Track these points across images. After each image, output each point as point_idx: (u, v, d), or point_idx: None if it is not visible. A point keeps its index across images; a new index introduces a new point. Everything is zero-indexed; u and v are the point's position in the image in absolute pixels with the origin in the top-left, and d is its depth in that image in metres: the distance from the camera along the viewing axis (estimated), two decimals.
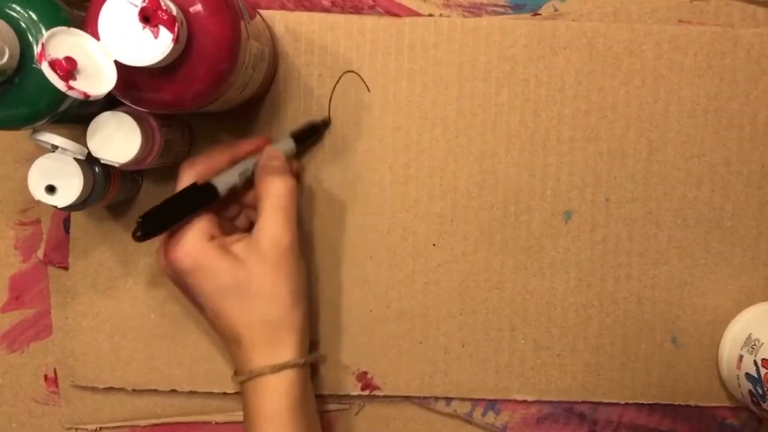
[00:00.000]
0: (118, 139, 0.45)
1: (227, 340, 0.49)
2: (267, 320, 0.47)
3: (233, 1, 0.42)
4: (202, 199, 0.47)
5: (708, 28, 0.55)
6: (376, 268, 0.56)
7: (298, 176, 0.54)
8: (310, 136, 0.54)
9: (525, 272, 0.56)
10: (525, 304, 0.56)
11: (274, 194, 0.48)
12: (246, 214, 0.53)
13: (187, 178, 0.48)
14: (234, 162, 0.50)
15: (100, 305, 0.56)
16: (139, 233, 0.44)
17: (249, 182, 0.50)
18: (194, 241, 0.46)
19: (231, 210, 0.52)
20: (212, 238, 0.47)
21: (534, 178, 0.55)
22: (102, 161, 0.45)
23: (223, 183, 0.48)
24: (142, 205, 0.55)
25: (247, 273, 0.46)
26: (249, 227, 0.52)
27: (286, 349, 0.48)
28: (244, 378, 0.48)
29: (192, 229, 0.47)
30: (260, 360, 0.47)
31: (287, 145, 0.52)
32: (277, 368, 0.47)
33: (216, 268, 0.46)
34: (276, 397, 0.47)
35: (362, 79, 0.55)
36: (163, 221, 0.46)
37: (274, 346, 0.47)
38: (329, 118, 0.55)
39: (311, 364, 0.51)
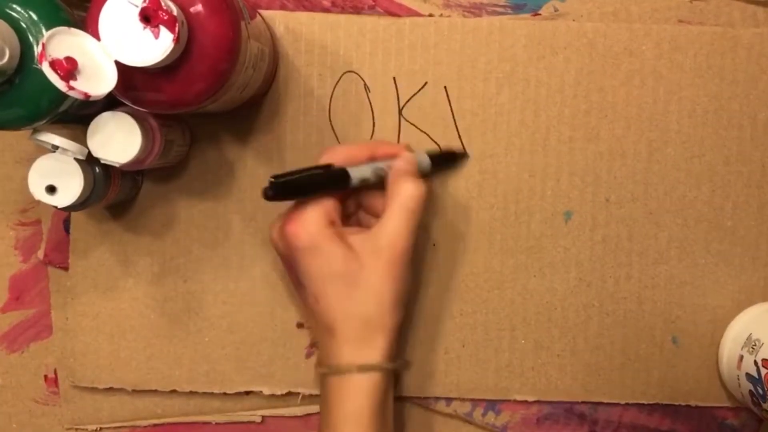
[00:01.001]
0: (118, 140, 0.45)
1: (321, 328, 0.48)
2: (366, 317, 0.47)
3: (233, 2, 0.42)
4: (334, 181, 0.47)
5: (708, 28, 0.55)
6: None
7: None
8: (446, 162, 0.54)
9: (525, 272, 0.56)
10: (525, 304, 0.56)
11: (406, 196, 0.48)
12: (361, 215, 0.53)
13: (326, 160, 0.48)
14: (372, 159, 0.50)
15: (100, 305, 0.56)
16: (271, 192, 0.45)
17: (377, 184, 0.50)
18: (316, 221, 0.46)
19: (348, 206, 0.52)
20: (333, 224, 0.47)
21: (534, 178, 0.55)
22: (102, 161, 0.45)
23: (358, 173, 0.48)
24: (142, 206, 0.55)
25: (359, 265, 0.46)
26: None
27: (377, 351, 0.47)
28: (328, 371, 0.48)
29: (316, 208, 0.47)
30: (350, 356, 0.47)
31: (423, 159, 0.52)
32: (366, 368, 0.47)
33: (331, 253, 0.46)
34: (358, 397, 0.47)
35: (362, 79, 0.55)
36: (294, 188, 0.46)
37: (366, 345, 0.47)
38: (466, 152, 0.55)
39: (396, 370, 0.51)
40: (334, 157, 0.49)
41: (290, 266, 0.49)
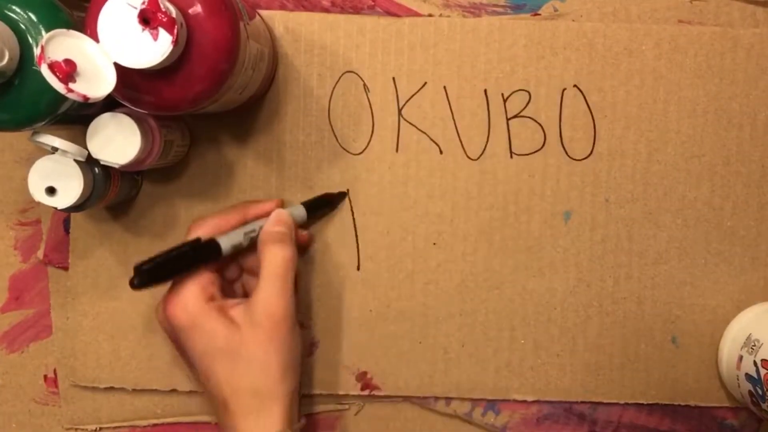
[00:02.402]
0: (117, 141, 0.45)
1: (215, 404, 0.48)
2: (255, 388, 0.46)
3: (232, 2, 0.42)
4: (204, 255, 0.47)
5: (708, 28, 0.55)
6: (376, 268, 0.56)
7: (307, 244, 0.55)
8: (323, 206, 0.55)
9: (525, 272, 0.56)
10: (525, 304, 0.56)
11: (274, 262, 0.48)
12: (244, 278, 0.53)
13: (195, 233, 0.48)
14: (244, 223, 0.50)
15: (100, 305, 0.56)
16: (136, 281, 0.44)
17: (254, 245, 0.50)
18: (193, 300, 0.46)
19: (231, 271, 0.52)
20: (212, 298, 0.47)
21: (534, 178, 0.55)
22: (102, 162, 0.45)
23: (228, 241, 0.48)
24: (141, 206, 0.55)
25: (240, 338, 0.46)
26: (246, 292, 0.53)
27: (272, 420, 0.46)
28: None
29: (192, 286, 0.46)
30: (245, 428, 0.46)
31: (298, 211, 0.52)
32: None
33: (211, 330, 0.46)
34: None
35: (362, 79, 0.55)
36: (161, 272, 0.45)
37: (260, 416, 0.46)
38: (346, 191, 0.55)
39: None
40: (203, 228, 0.49)
41: (177, 345, 0.49)
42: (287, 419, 0.47)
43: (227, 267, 0.51)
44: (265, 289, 0.47)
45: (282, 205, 0.53)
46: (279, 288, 0.47)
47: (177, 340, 0.48)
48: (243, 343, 0.46)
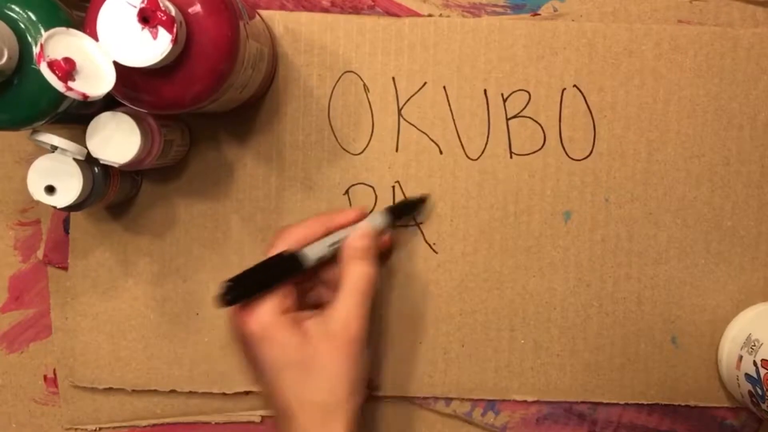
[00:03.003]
0: (117, 140, 0.45)
1: (278, 415, 0.48)
2: (322, 403, 0.46)
3: (232, 2, 0.42)
4: (289, 268, 0.47)
5: (708, 28, 0.55)
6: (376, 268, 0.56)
7: (389, 250, 0.55)
8: (407, 212, 0.55)
9: (524, 272, 0.56)
10: (524, 305, 0.56)
11: (356, 278, 0.48)
12: (319, 288, 0.52)
13: (279, 245, 0.48)
14: (328, 233, 0.50)
15: (99, 305, 0.56)
16: (228, 297, 0.44)
17: (335, 258, 0.50)
18: (268, 311, 0.46)
19: (307, 281, 0.52)
20: (287, 310, 0.47)
21: (534, 178, 0.55)
22: (101, 161, 0.45)
23: (313, 254, 0.48)
24: (141, 206, 0.55)
25: (313, 351, 0.46)
26: (318, 302, 0.52)
27: None
28: None
29: (269, 297, 0.46)
30: None
31: (381, 219, 0.52)
32: None
33: (284, 342, 0.46)
34: None
35: (362, 79, 0.55)
36: (249, 288, 0.46)
37: (325, 430, 0.46)
38: (427, 195, 0.55)
39: None
40: (288, 239, 0.49)
41: (246, 354, 0.49)
42: None
43: (305, 277, 0.51)
44: (344, 304, 0.47)
45: (366, 214, 0.53)
46: (358, 304, 0.47)
47: (246, 350, 0.48)
48: (315, 355, 0.46)
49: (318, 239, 0.49)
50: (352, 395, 0.47)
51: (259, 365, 0.47)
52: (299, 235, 0.49)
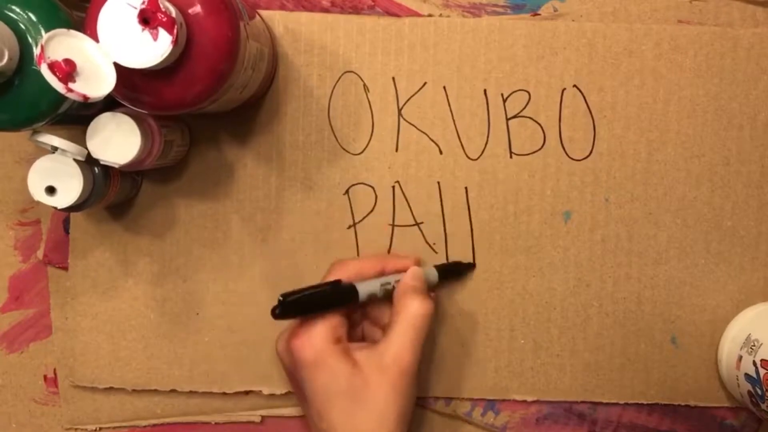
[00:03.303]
0: (117, 140, 0.45)
1: None
2: None
3: (232, 2, 0.42)
4: (342, 298, 0.48)
5: (708, 28, 0.55)
6: None
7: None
8: (453, 274, 0.55)
9: (524, 272, 0.56)
10: (524, 304, 0.56)
11: (412, 313, 0.48)
12: (364, 326, 0.53)
13: (335, 275, 0.49)
14: (381, 274, 0.51)
15: (99, 305, 0.56)
16: (278, 311, 0.45)
17: (384, 298, 0.51)
18: (322, 337, 0.46)
19: (354, 317, 0.52)
20: (339, 340, 0.47)
21: (534, 178, 0.55)
22: (102, 162, 0.45)
23: (366, 289, 0.49)
24: (141, 206, 0.55)
25: (363, 382, 0.46)
26: (362, 339, 0.53)
27: None
28: None
29: (323, 324, 0.47)
30: None
31: (431, 273, 0.53)
32: None
33: (335, 369, 0.46)
34: None
35: (362, 79, 0.55)
36: (302, 306, 0.46)
37: None
38: (474, 263, 0.56)
39: None
40: (344, 272, 0.50)
41: (294, 379, 0.49)
42: None
43: (352, 312, 0.52)
44: (398, 337, 0.47)
45: (419, 263, 0.54)
46: (412, 339, 0.48)
47: (295, 374, 0.48)
48: (366, 387, 0.46)
49: (371, 278, 0.50)
50: (399, 427, 0.47)
51: (308, 391, 0.47)
52: (355, 269, 0.50)
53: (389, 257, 0.53)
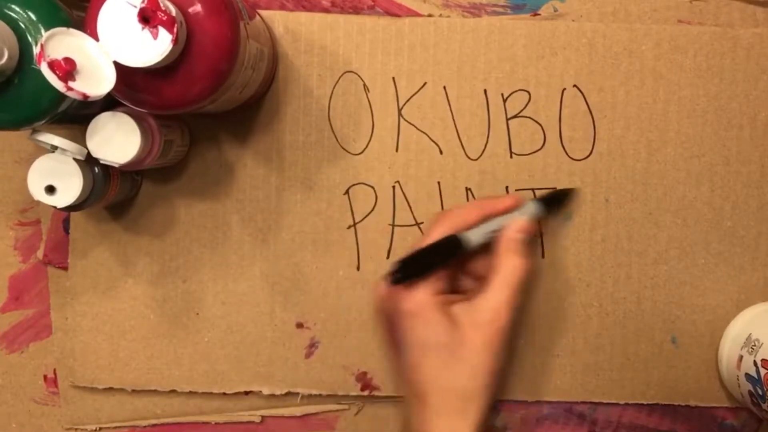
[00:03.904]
0: (117, 140, 0.45)
1: (411, 395, 0.47)
2: (462, 390, 0.46)
3: (233, 2, 0.42)
4: (452, 251, 0.47)
5: (708, 28, 0.55)
6: (376, 268, 0.56)
7: (538, 238, 0.55)
8: (557, 202, 0.54)
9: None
10: (524, 305, 0.56)
11: (511, 271, 0.47)
12: (462, 277, 0.52)
13: (440, 228, 0.48)
14: (484, 219, 0.49)
15: (99, 305, 0.56)
16: (399, 275, 0.45)
17: (486, 246, 0.49)
18: (422, 289, 0.46)
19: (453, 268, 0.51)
20: (439, 292, 0.47)
21: (534, 178, 0.55)
22: (101, 161, 0.45)
23: (474, 239, 0.48)
24: (141, 206, 0.55)
25: (460, 337, 0.46)
26: (459, 290, 0.51)
27: (468, 423, 0.46)
28: None
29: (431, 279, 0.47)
30: (442, 428, 0.46)
31: (536, 209, 0.51)
32: None
33: (433, 322, 0.46)
34: None
35: (362, 79, 0.55)
36: (418, 268, 0.46)
37: (459, 419, 0.46)
38: (576, 190, 0.55)
39: None
40: (450, 222, 0.49)
41: (389, 327, 0.49)
42: (481, 428, 0.46)
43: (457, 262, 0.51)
44: (495, 294, 0.47)
45: (520, 202, 0.51)
46: (509, 297, 0.47)
47: (391, 323, 0.48)
48: (461, 342, 0.46)
49: (474, 225, 0.49)
50: (490, 387, 0.46)
51: (403, 343, 0.47)
52: (458, 219, 0.49)
53: (491, 200, 0.51)
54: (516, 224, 0.49)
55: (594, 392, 0.56)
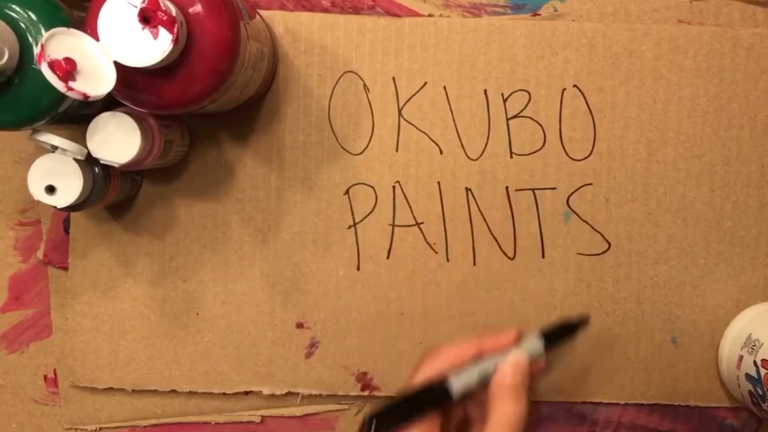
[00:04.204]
0: (117, 140, 0.45)
1: None
2: None
3: (233, 2, 0.42)
4: (436, 399, 0.44)
5: (708, 28, 0.55)
6: (376, 268, 0.56)
7: (542, 374, 0.50)
8: (563, 336, 0.48)
9: (525, 272, 0.56)
10: (525, 305, 0.56)
11: (504, 418, 0.44)
12: (468, 414, 0.49)
13: (428, 369, 0.45)
14: (479, 356, 0.46)
15: (99, 306, 0.56)
16: (373, 430, 0.42)
17: (480, 386, 0.45)
18: None
19: (454, 407, 0.49)
20: None
21: (534, 178, 0.55)
22: (102, 161, 0.45)
23: (461, 383, 0.44)
24: (141, 206, 0.55)
25: None
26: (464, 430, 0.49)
27: None
28: None
29: (415, 429, 0.44)
30: None
31: (535, 345, 0.46)
32: None
33: None
34: None
35: (362, 79, 0.55)
36: (395, 419, 0.43)
37: None
38: (587, 316, 0.49)
39: None
40: (437, 362, 0.45)
41: None
42: None
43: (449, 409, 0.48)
44: None
45: (520, 336, 0.47)
46: None
47: None
48: None
49: (469, 362, 0.45)
50: None
51: None
52: (450, 357, 0.46)
53: (487, 335, 0.47)
54: (510, 364, 0.45)
55: (594, 392, 0.56)
